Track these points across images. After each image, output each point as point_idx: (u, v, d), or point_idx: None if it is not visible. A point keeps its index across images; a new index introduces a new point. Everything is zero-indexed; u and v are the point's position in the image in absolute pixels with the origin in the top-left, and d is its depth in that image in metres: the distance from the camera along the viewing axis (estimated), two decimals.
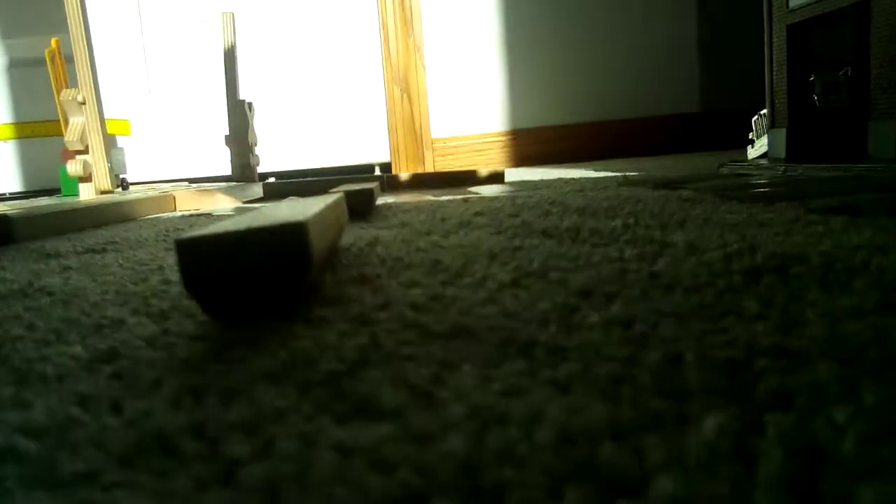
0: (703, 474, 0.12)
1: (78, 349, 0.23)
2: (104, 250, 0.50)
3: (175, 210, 0.93)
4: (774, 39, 0.84)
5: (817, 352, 0.17)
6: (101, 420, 0.17)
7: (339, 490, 0.13)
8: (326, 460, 0.14)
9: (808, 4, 0.78)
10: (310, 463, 0.14)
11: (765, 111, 0.89)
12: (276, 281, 0.25)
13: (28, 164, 2.13)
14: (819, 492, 0.12)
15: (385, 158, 1.92)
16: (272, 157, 1.91)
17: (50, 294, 0.33)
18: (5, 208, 0.81)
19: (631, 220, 0.45)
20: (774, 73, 0.84)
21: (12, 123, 2.09)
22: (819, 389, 0.15)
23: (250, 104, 1.33)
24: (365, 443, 0.15)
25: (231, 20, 1.35)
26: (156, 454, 0.15)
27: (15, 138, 2.09)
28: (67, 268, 0.42)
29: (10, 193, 2.11)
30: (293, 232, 0.25)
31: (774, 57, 0.84)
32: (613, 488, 0.12)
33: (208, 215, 0.78)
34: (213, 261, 0.25)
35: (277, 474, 0.13)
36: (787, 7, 0.81)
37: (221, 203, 0.93)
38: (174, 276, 0.35)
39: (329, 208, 0.36)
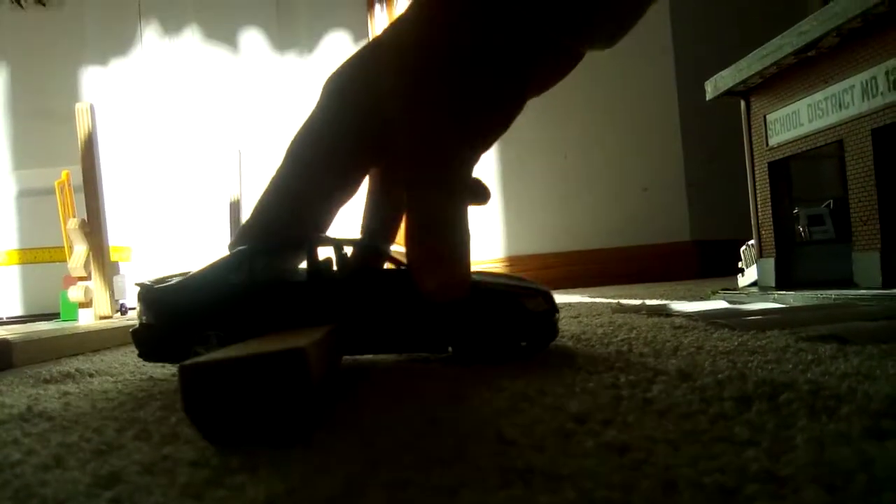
0: None
1: (77, 474, 0.23)
2: (104, 374, 0.50)
3: None
4: (757, 175, 0.88)
5: (805, 478, 0.18)
6: None
7: None
8: None
9: (788, 143, 0.82)
10: None
11: (752, 241, 0.92)
12: (276, 407, 0.25)
13: (28, 289, 2.15)
14: None
15: None
16: None
17: (50, 419, 0.33)
18: (4, 332, 0.82)
19: (625, 348, 0.45)
20: (759, 207, 0.88)
21: (17, 250, 2.13)
22: None
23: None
24: None
25: (239, 158, 1.41)
26: None
27: (17, 264, 2.13)
28: (66, 393, 0.42)
29: (9, 317, 2.12)
30: (294, 357, 0.26)
31: (758, 192, 0.88)
32: None
33: None
34: (215, 386, 0.25)
35: None
36: (767, 145, 0.85)
37: None
38: (172, 401, 0.36)
39: (330, 334, 0.37)
